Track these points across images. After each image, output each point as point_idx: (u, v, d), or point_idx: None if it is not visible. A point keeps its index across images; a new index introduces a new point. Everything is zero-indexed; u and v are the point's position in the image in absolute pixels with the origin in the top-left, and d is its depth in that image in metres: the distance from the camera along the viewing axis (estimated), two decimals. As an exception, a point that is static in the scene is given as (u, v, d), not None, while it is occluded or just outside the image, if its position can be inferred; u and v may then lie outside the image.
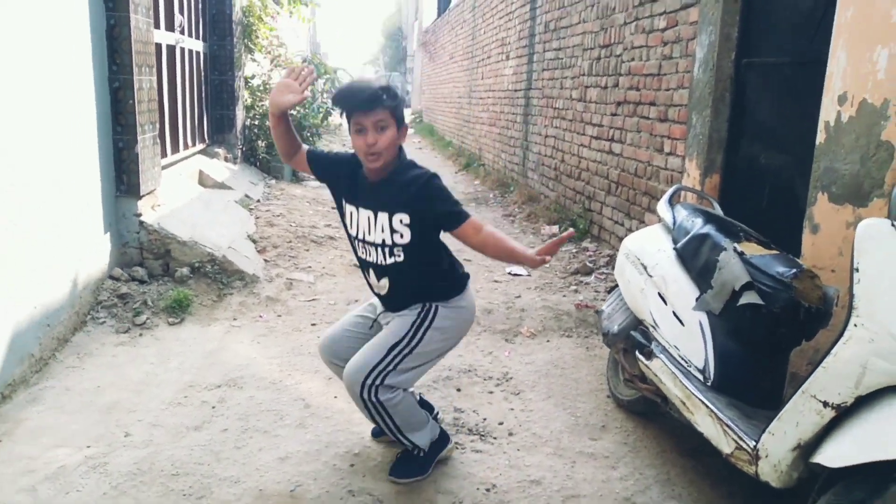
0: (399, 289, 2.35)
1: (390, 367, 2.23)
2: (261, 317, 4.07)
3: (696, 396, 2.28)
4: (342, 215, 2.41)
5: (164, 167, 4.99)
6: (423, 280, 2.33)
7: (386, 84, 2.21)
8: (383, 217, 2.24)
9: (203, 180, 6.11)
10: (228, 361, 3.42)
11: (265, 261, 4.94)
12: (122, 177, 4.16)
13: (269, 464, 2.53)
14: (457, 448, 2.69)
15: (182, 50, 6.00)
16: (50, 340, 3.29)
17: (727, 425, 2.12)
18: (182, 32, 5.96)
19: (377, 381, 2.22)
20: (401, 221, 2.22)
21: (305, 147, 2.46)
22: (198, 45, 6.62)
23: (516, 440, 2.79)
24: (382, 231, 2.25)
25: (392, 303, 2.40)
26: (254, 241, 5.19)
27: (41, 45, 3.30)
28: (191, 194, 5.44)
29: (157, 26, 5.10)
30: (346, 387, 2.29)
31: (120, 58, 4.04)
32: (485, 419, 2.95)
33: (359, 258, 2.41)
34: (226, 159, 7.09)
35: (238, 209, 5.81)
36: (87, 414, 2.85)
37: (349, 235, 2.40)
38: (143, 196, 4.27)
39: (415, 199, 2.20)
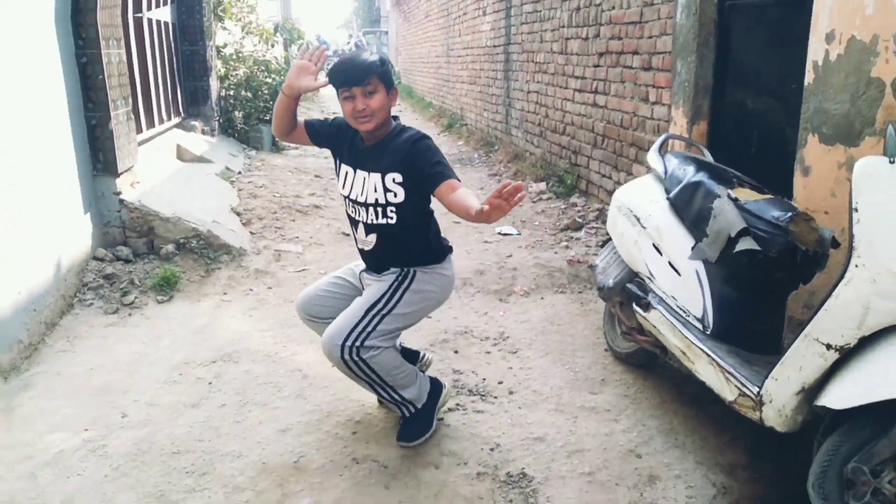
0: (384, 246, 2.38)
1: (370, 328, 2.24)
2: (251, 290, 4.02)
3: (697, 346, 2.27)
4: (338, 175, 2.46)
5: (140, 143, 4.87)
6: (408, 243, 2.37)
7: (377, 58, 2.27)
8: (376, 177, 2.29)
9: (181, 154, 5.98)
10: (221, 336, 3.39)
11: (251, 233, 4.87)
12: (98, 155, 4.06)
13: (271, 436, 2.51)
14: (458, 409, 2.69)
15: (150, 21, 5.81)
16: (38, 325, 3.23)
17: (729, 373, 2.12)
18: None
19: (357, 343, 2.22)
20: (393, 180, 2.27)
21: (301, 120, 2.48)
22: (165, 15, 6.41)
23: (517, 398, 2.79)
24: (375, 191, 2.30)
25: (374, 260, 2.42)
26: (238, 214, 5.11)
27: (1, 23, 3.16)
28: (170, 169, 5.32)
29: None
30: (325, 353, 2.29)
31: (85, 31, 3.89)
32: (484, 379, 2.94)
33: (349, 216, 2.46)
34: (203, 132, 6.94)
35: (219, 182, 5.71)
36: (81, 397, 2.81)
37: (342, 195, 2.45)
38: (121, 174, 4.17)
39: (406, 158, 2.25)
